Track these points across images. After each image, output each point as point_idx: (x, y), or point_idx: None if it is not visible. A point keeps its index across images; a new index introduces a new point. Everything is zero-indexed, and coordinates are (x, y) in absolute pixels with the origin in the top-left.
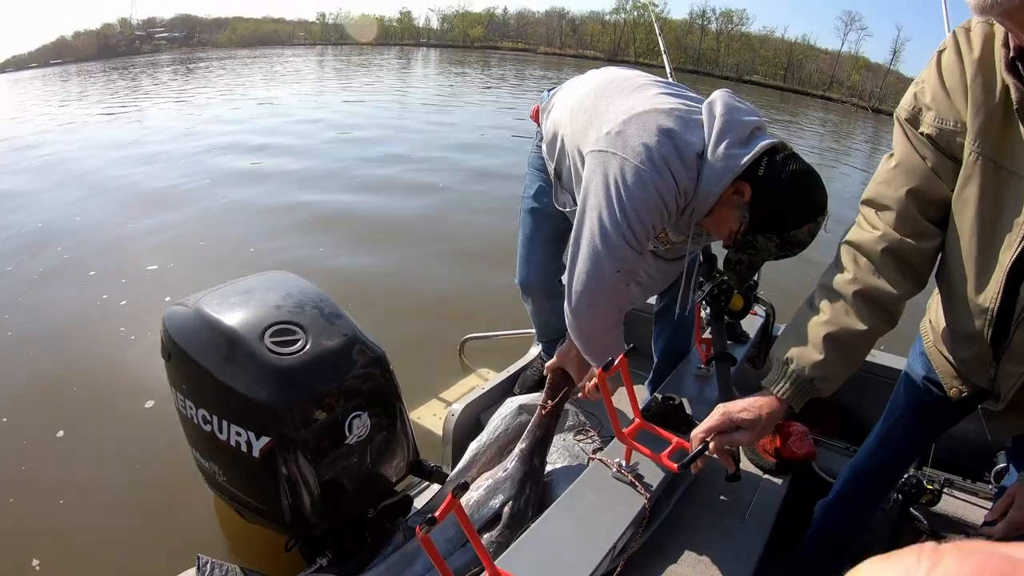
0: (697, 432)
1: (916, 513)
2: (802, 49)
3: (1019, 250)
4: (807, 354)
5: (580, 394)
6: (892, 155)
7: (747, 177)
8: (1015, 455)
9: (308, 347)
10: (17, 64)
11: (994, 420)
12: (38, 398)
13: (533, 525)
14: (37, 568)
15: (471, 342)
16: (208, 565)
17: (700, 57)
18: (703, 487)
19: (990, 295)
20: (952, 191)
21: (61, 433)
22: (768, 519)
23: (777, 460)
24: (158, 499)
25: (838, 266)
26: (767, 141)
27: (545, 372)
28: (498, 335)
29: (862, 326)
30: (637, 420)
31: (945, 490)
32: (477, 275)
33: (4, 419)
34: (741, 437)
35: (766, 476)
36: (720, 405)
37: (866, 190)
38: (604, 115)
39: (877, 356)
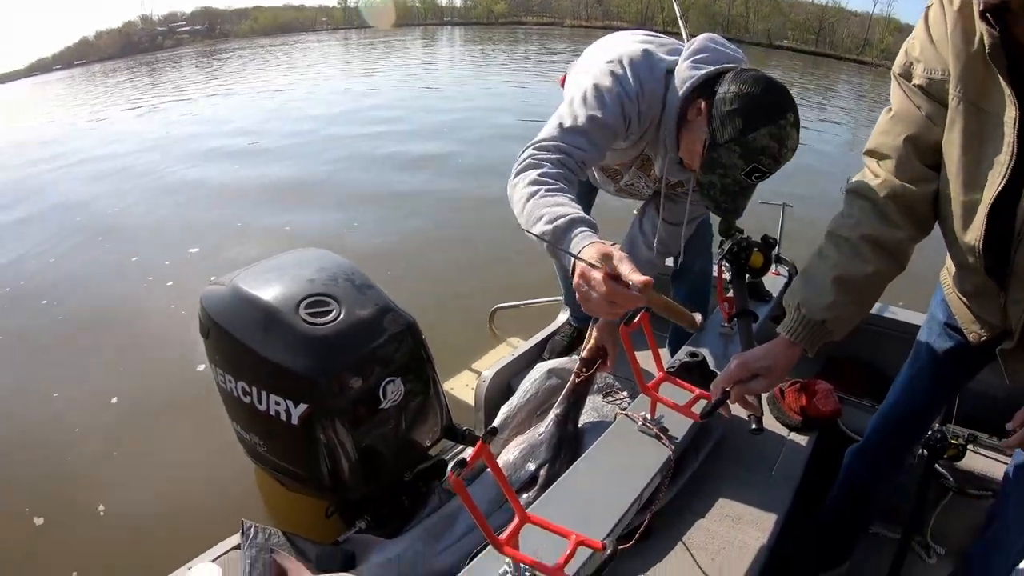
0: (717, 382)
1: (941, 469)
2: (833, 12)
3: (1000, 188)
4: (817, 297)
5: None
6: (890, 108)
7: (709, 96)
8: None
9: (342, 317)
10: (42, 67)
11: (1010, 362)
12: (93, 371)
13: (562, 477)
14: (102, 513)
15: (500, 311)
16: (252, 529)
17: (729, 23)
18: (730, 444)
19: (975, 232)
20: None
21: (115, 400)
22: (795, 475)
23: (803, 418)
24: (203, 471)
25: (844, 214)
26: (727, 63)
27: (584, 353)
28: (526, 303)
29: (869, 268)
30: (660, 374)
31: (969, 446)
32: (504, 246)
33: (56, 393)
34: (759, 384)
35: (792, 434)
36: (737, 355)
37: (868, 141)
38: (592, 58)
39: (900, 313)
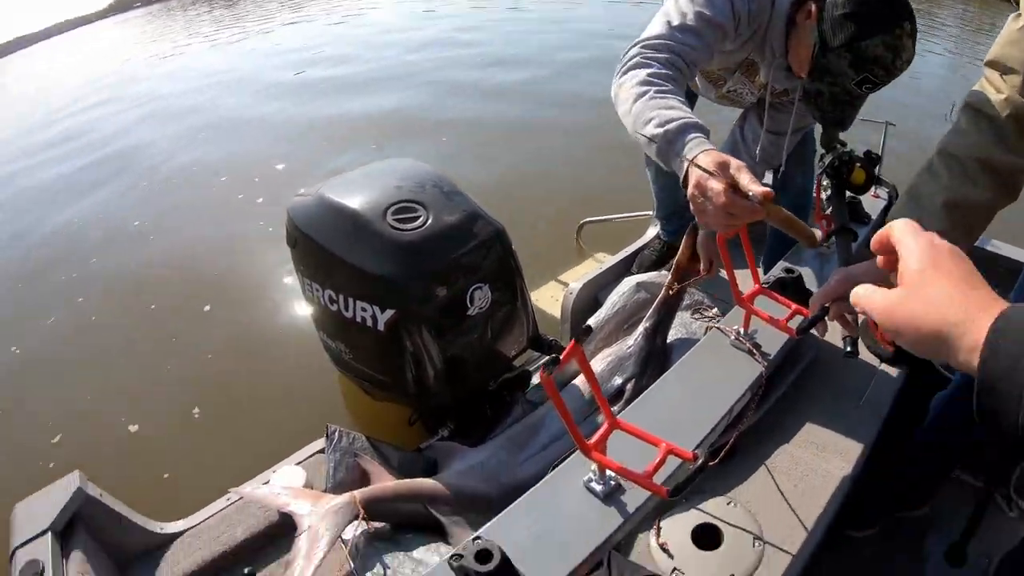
0: (816, 297)
1: None
2: None
3: None
4: (924, 222)
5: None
6: (1020, 15)
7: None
8: None
9: (429, 222)
10: (122, 6)
11: None
12: (189, 282)
13: (651, 387)
14: (196, 416)
15: (588, 226)
16: (336, 434)
17: None
18: (820, 369)
19: None
20: None
21: (208, 307)
22: (883, 407)
23: (895, 350)
24: (290, 380)
25: (958, 131)
26: None
27: (676, 266)
28: (615, 218)
29: (981, 196)
30: (756, 286)
31: None
32: (592, 159)
33: (153, 306)
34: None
35: (883, 366)
36: (839, 269)
37: (991, 50)
38: None
39: (1003, 247)
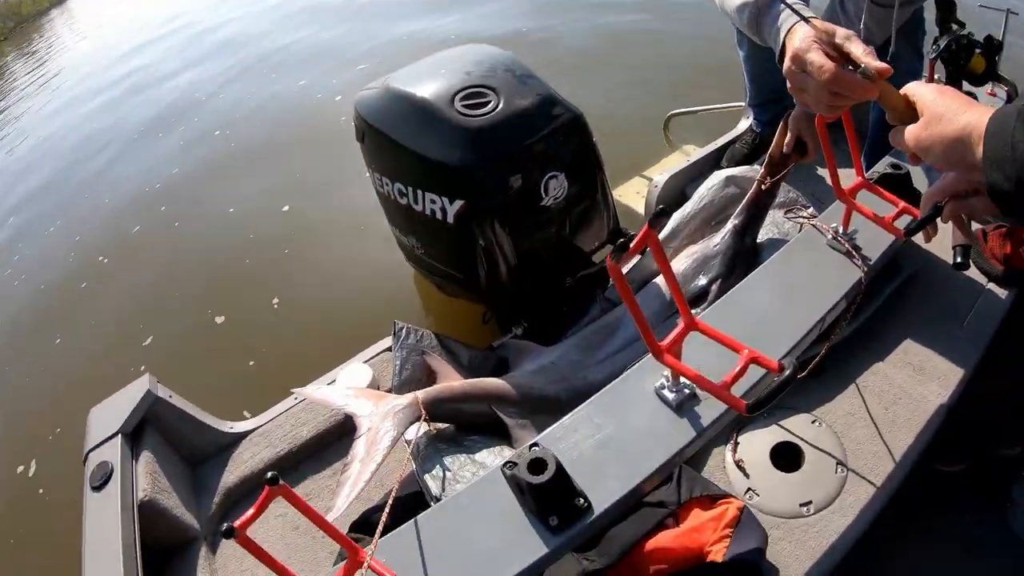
0: (929, 194)
1: None
2: None
3: None
4: None
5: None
6: None
7: None
8: None
9: (500, 107)
10: None
11: None
12: (274, 178)
13: (736, 287)
14: (276, 305)
15: (676, 118)
16: (404, 331)
17: None
18: (921, 284)
19: None
20: None
21: (287, 207)
22: (988, 332)
23: (1005, 268)
24: (366, 277)
25: None
26: None
27: (771, 155)
28: (705, 109)
29: None
30: (860, 179)
31: None
32: (682, 46)
33: (231, 209)
34: (979, 204)
35: (990, 284)
36: None
37: None
38: None
39: None
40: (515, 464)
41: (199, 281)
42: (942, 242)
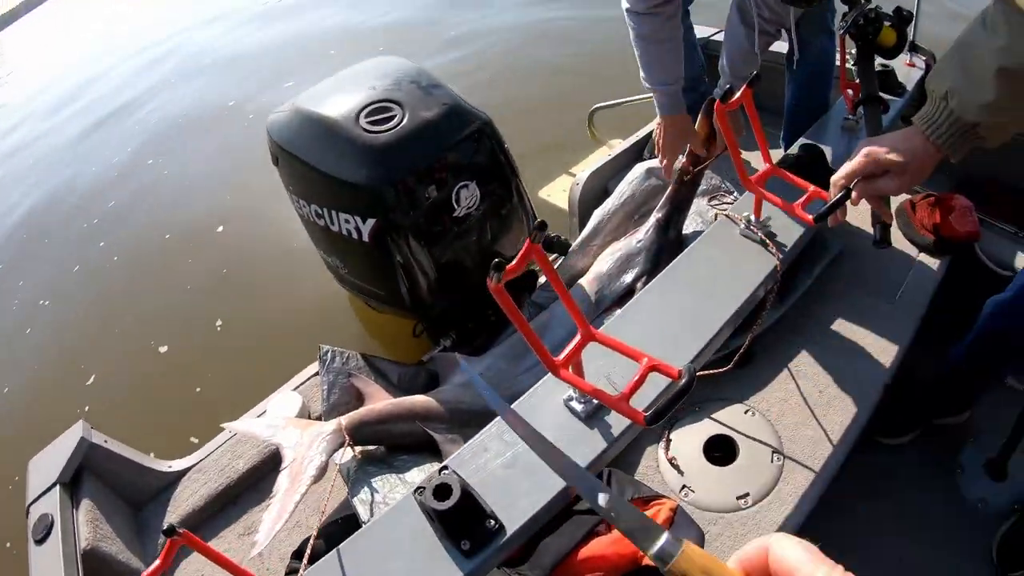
0: (837, 177)
1: None
2: None
3: None
4: (974, 91)
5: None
6: None
7: None
8: None
9: (405, 121)
10: None
11: None
12: (208, 201)
13: (644, 289)
14: (219, 327)
15: (600, 112)
16: (329, 354)
17: None
18: (849, 262)
19: None
20: None
21: (221, 228)
22: (922, 303)
23: (935, 237)
24: (302, 300)
25: None
26: None
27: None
28: (628, 101)
29: None
30: (768, 166)
31: None
32: (602, 40)
33: (168, 236)
34: (889, 183)
35: (921, 255)
36: (863, 143)
37: None
38: None
39: None
40: (423, 489)
41: (139, 313)
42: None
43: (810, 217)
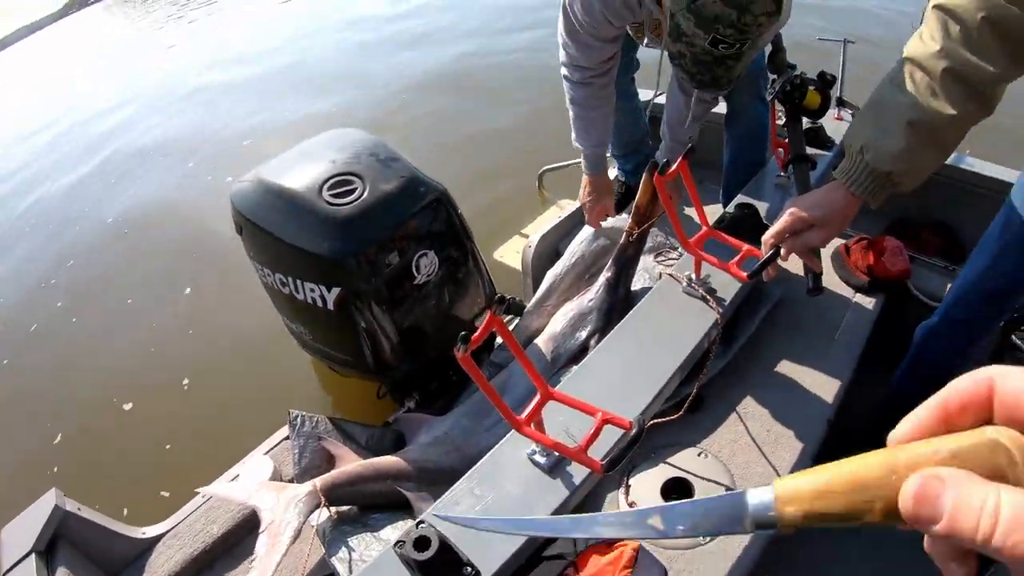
0: (767, 236)
1: (1017, 341)
2: None
3: None
4: (886, 142)
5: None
6: None
7: None
8: None
9: (366, 194)
10: (81, 2)
11: None
12: (169, 263)
13: (596, 348)
14: (186, 387)
15: (549, 174)
16: (299, 419)
17: None
18: (789, 308)
19: None
20: None
21: (188, 290)
22: (859, 340)
23: (869, 278)
24: (264, 367)
25: (926, 36)
26: None
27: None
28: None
29: (951, 111)
30: (704, 228)
31: None
32: (549, 105)
33: (130, 300)
34: (814, 237)
35: (857, 296)
36: (789, 202)
37: None
38: None
39: (981, 166)
40: (403, 543)
41: (104, 373)
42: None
43: (744, 274)
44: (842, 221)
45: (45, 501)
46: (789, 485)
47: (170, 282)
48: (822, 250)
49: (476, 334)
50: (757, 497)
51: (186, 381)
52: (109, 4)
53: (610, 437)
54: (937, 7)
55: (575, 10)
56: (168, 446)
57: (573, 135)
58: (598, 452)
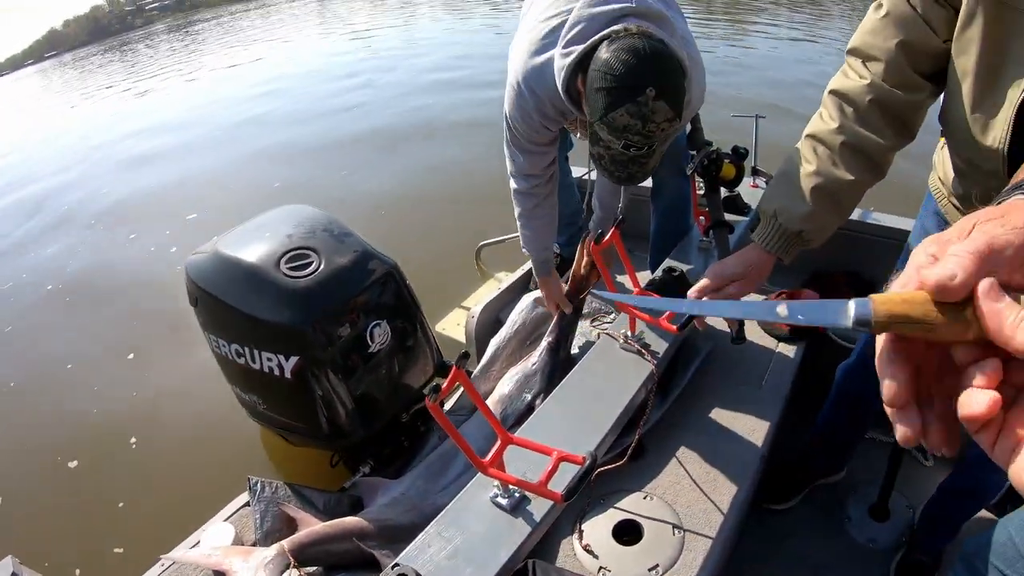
0: (691, 292)
1: None
2: None
3: None
4: (794, 206)
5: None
6: (880, 5)
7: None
8: None
9: (322, 267)
10: (13, 64)
11: None
12: (114, 338)
13: (546, 400)
14: (134, 445)
15: (486, 248)
16: (258, 485)
17: None
18: (719, 360)
19: (998, 135)
20: (943, 41)
21: (132, 356)
22: (784, 385)
23: (791, 328)
24: (213, 438)
25: (824, 116)
26: (609, 29)
27: (570, 279)
28: (511, 237)
29: (849, 176)
30: (636, 290)
31: None
32: (484, 181)
33: (69, 365)
34: (734, 292)
35: (780, 345)
36: (711, 265)
37: (852, 39)
38: (515, 44)
39: (886, 219)
40: None
41: (44, 432)
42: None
43: (675, 327)
44: (758, 276)
45: (2, 568)
46: (883, 295)
47: (113, 349)
48: None
49: (444, 385)
50: (859, 302)
51: (133, 439)
52: (45, 67)
53: (566, 476)
54: (833, 92)
55: (514, 121)
56: (121, 504)
57: (522, 242)
58: (557, 487)
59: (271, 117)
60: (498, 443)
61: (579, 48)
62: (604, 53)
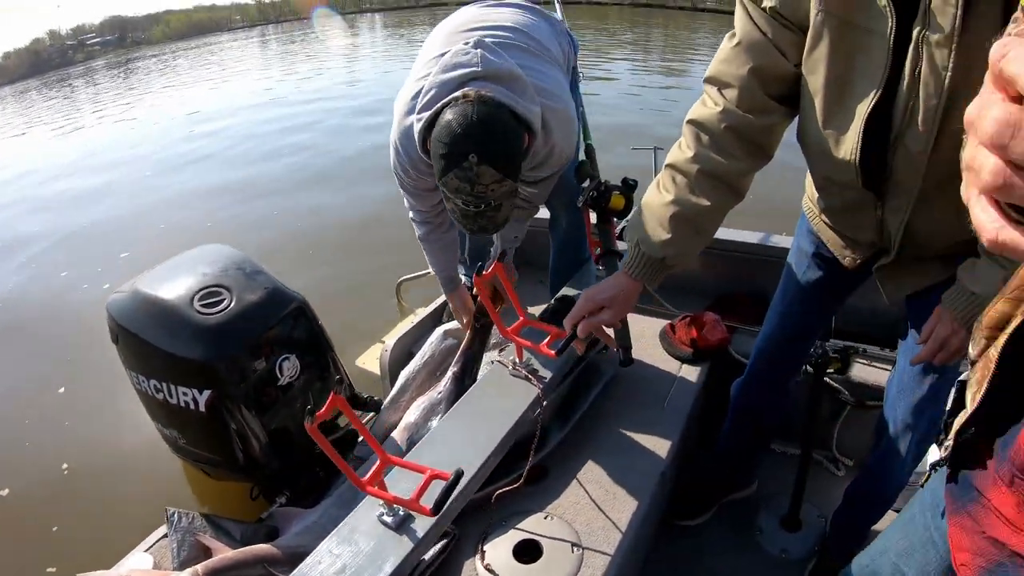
0: (566, 320)
1: (836, 384)
2: None
3: (876, 98)
4: (656, 234)
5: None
6: (734, 34)
7: None
8: (913, 316)
9: (233, 304)
10: None
11: (888, 281)
12: (45, 374)
13: (436, 425)
14: (66, 471)
15: (406, 283)
16: (176, 515)
17: None
18: (622, 383)
19: (849, 146)
20: (793, 64)
21: (62, 390)
22: (686, 405)
23: (693, 349)
24: (137, 473)
25: (682, 145)
26: (451, 96)
27: (475, 312)
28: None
29: (706, 203)
30: (521, 319)
31: (857, 359)
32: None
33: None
34: (606, 316)
35: (684, 367)
36: (584, 292)
37: (708, 69)
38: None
39: (776, 239)
40: None
41: None
42: (638, 343)
43: (553, 352)
44: (626, 302)
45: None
46: None
47: (44, 384)
48: (648, 330)
49: (321, 410)
50: None
51: (65, 466)
52: None
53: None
54: (690, 122)
55: (396, 171)
56: (55, 528)
57: (428, 262)
58: (428, 502)
59: (206, 156)
60: (377, 463)
61: (427, 115)
62: (441, 120)
